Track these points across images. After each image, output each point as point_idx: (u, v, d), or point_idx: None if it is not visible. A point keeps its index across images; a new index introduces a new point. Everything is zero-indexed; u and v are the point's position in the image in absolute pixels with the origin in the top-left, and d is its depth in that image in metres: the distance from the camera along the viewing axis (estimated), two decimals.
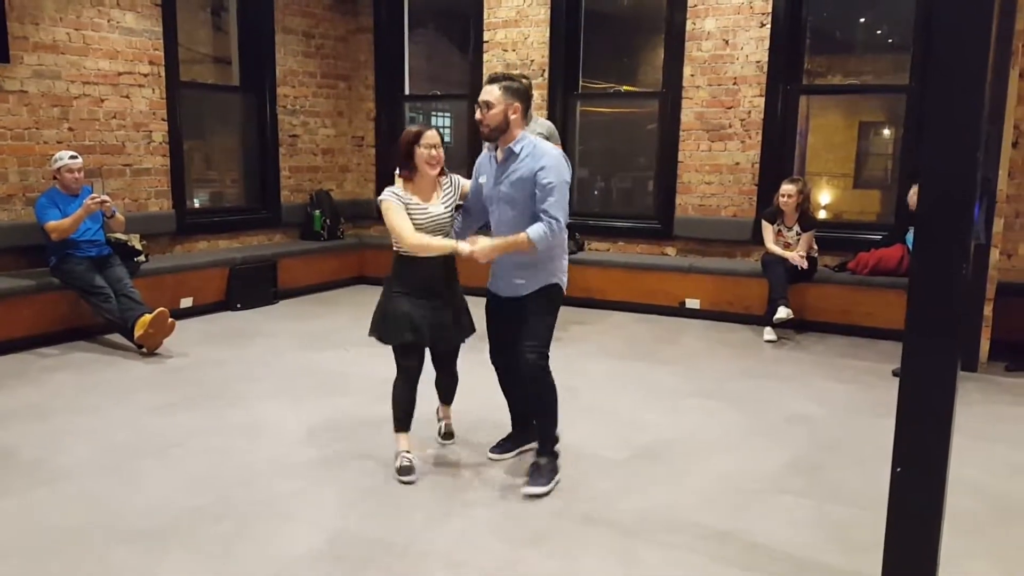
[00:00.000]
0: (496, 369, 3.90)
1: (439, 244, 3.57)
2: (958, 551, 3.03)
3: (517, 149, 3.52)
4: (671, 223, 7.77)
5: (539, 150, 3.51)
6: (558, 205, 3.43)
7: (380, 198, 3.63)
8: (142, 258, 6.46)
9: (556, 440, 3.74)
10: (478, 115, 3.54)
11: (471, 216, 3.84)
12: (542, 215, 3.44)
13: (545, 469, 3.65)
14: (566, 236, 3.69)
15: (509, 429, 4.05)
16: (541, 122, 6.42)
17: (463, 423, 4.23)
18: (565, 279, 3.70)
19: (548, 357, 3.61)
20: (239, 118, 8.43)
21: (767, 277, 6.59)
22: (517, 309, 3.64)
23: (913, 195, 5.31)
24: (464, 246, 3.49)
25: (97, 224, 5.95)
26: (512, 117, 3.51)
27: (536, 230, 3.42)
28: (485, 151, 3.74)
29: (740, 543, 3.19)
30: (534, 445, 3.83)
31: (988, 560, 3.10)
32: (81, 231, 5.79)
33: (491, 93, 3.50)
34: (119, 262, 6.07)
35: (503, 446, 3.98)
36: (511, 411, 4.02)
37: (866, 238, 6.99)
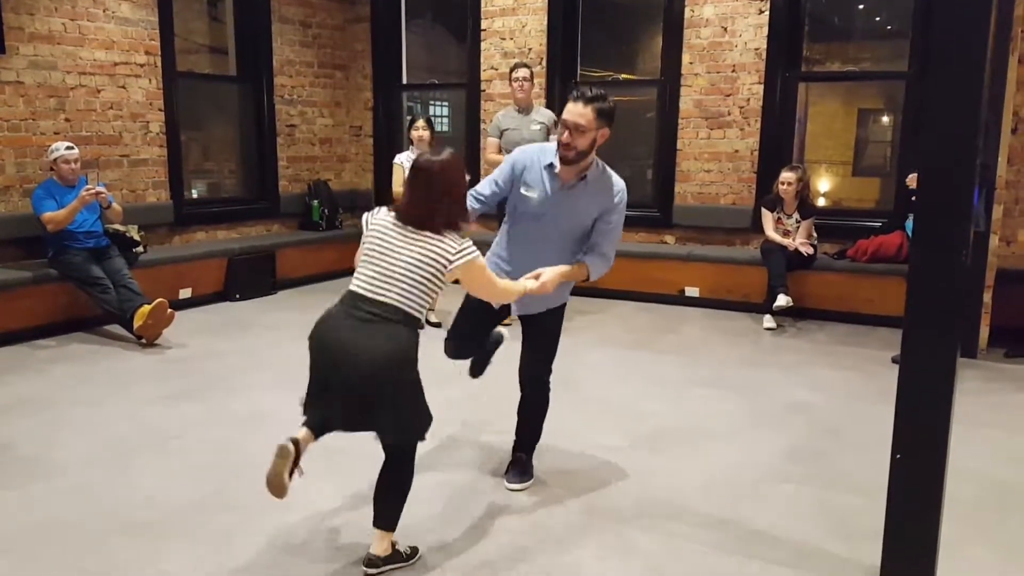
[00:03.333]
0: (456, 358, 3.66)
1: (519, 287, 3.08)
2: (958, 537, 3.04)
3: (591, 178, 3.23)
4: (670, 211, 7.76)
5: (610, 183, 3.27)
6: (613, 245, 3.29)
7: (470, 253, 2.75)
8: (140, 249, 6.45)
9: (539, 439, 3.74)
10: (565, 137, 3.11)
11: (482, 204, 3.42)
12: (597, 249, 3.26)
13: (528, 465, 3.66)
14: None
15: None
16: (543, 111, 6.42)
17: (462, 419, 4.23)
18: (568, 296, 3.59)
19: (550, 372, 3.58)
20: (236, 108, 8.40)
21: (766, 265, 6.58)
22: (506, 313, 3.54)
23: (913, 178, 5.29)
24: (531, 283, 3.08)
25: (95, 215, 5.94)
26: (599, 143, 3.18)
27: (598, 268, 3.27)
28: (534, 155, 3.33)
29: (740, 531, 3.19)
30: (499, 341, 3.72)
31: (987, 547, 3.10)
32: (79, 222, 5.78)
33: (584, 116, 3.08)
34: (117, 253, 6.06)
35: (518, 475, 3.64)
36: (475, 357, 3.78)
37: (865, 225, 6.99)
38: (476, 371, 3.81)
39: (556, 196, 3.24)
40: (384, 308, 2.68)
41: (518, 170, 3.32)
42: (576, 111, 3.08)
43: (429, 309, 3.14)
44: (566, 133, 3.11)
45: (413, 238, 2.72)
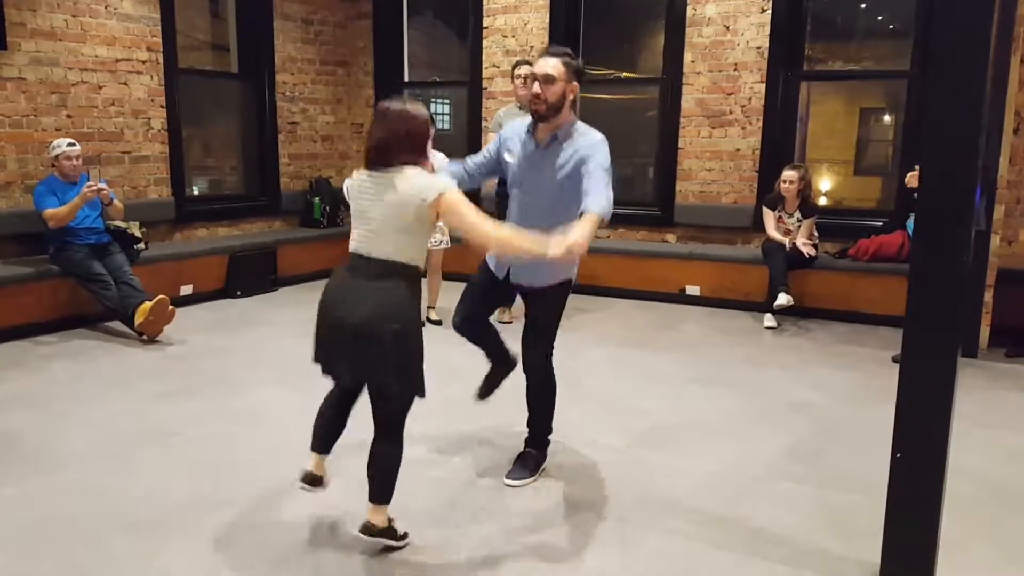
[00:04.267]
0: (458, 328, 3.61)
1: (533, 246, 2.85)
2: (957, 537, 3.04)
3: (561, 136, 3.26)
4: (671, 210, 7.75)
5: (586, 133, 3.27)
6: (606, 185, 3.10)
7: (441, 186, 2.76)
8: (141, 246, 6.45)
9: (550, 432, 3.71)
10: (535, 89, 3.17)
11: (469, 180, 3.48)
12: (591, 193, 3.06)
13: (531, 460, 3.63)
14: None
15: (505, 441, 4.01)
16: None
17: (461, 414, 4.23)
18: (575, 273, 3.55)
19: (551, 351, 3.55)
20: (238, 105, 8.40)
21: (767, 264, 6.58)
22: (518, 294, 3.56)
23: (912, 176, 5.28)
24: (557, 246, 2.81)
25: (96, 212, 5.94)
26: (569, 98, 3.23)
27: (600, 205, 3.00)
28: (515, 123, 3.41)
29: (740, 529, 3.19)
30: (512, 367, 3.70)
31: (988, 546, 3.10)
32: (80, 219, 5.78)
33: (554, 67, 3.17)
34: (119, 250, 6.06)
35: (520, 472, 3.64)
36: (488, 354, 3.73)
37: (867, 224, 6.98)
38: (484, 392, 3.76)
39: (532, 156, 3.31)
40: (380, 265, 2.76)
41: (503, 138, 3.44)
42: (545, 63, 3.20)
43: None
44: (536, 84, 3.19)
45: (384, 186, 2.75)
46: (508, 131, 3.45)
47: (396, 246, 2.77)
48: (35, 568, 2.85)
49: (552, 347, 3.55)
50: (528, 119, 3.39)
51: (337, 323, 2.81)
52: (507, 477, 3.58)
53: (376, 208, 2.77)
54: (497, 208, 5.76)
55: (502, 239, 2.85)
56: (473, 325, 3.60)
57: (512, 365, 3.71)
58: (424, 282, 6.33)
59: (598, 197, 3.03)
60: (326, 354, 2.91)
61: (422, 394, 2.89)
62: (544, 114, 3.22)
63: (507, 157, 3.39)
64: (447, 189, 2.75)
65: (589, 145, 3.22)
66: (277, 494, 3.43)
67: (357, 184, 2.86)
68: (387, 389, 2.82)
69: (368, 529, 2.91)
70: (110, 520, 3.18)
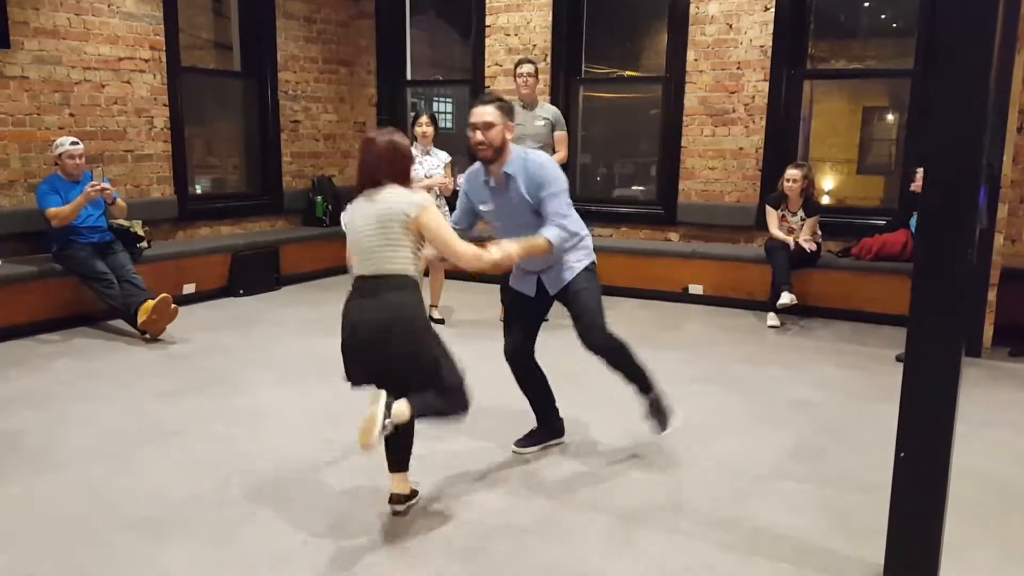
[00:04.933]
0: (513, 367, 3.85)
1: (485, 256, 3.24)
2: (961, 536, 3.03)
3: (513, 171, 3.52)
4: (674, 208, 7.74)
5: (535, 164, 3.52)
6: (562, 210, 3.49)
7: (423, 201, 3.06)
8: (144, 244, 6.46)
9: (649, 379, 3.84)
10: (479, 137, 3.47)
11: (462, 229, 3.77)
12: (549, 219, 3.47)
13: (661, 406, 3.83)
14: (581, 226, 3.72)
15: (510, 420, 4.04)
16: (547, 107, 6.41)
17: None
18: (595, 259, 3.79)
19: (607, 326, 3.69)
20: (240, 104, 8.40)
21: (771, 263, 6.57)
22: (554, 299, 3.76)
23: (919, 179, 5.27)
24: (495, 254, 3.27)
25: (99, 210, 5.94)
26: (508, 137, 3.53)
27: (552, 232, 3.44)
28: (474, 171, 3.71)
29: (743, 529, 3.19)
30: (560, 440, 3.97)
31: (991, 547, 3.10)
32: (83, 217, 5.78)
33: (491, 114, 3.47)
34: (121, 248, 6.06)
35: (528, 440, 3.92)
36: (533, 408, 3.96)
37: (870, 223, 6.97)
38: (523, 444, 3.92)
39: (497, 196, 3.59)
40: (379, 280, 3.00)
41: (470, 195, 3.73)
42: (481, 112, 3.48)
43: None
44: (478, 134, 3.47)
45: (372, 204, 3.02)
46: (468, 186, 3.74)
47: (389, 259, 3.00)
48: (37, 567, 2.85)
49: (605, 322, 3.70)
50: (477, 166, 3.67)
51: (356, 338, 3.04)
52: (659, 426, 3.83)
53: (368, 228, 3.01)
54: None
55: (469, 254, 3.16)
56: (524, 351, 3.81)
57: (559, 435, 3.98)
58: (426, 281, 6.36)
59: (555, 228, 3.45)
60: (355, 368, 3.11)
61: (451, 366, 3.08)
62: (492, 158, 3.51)
63: (482, 208, 3.68)
64: (429, 204, 3.04)
65: (537, 170, 3.51)
66: (279, 493, 3.43)
67: (350, 215, 3.11)
68: (417, 381, 3.03)
69: (398, 499, 3.22)
70: (112, 519, 3.18)
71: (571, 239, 3.56)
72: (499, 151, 3.50)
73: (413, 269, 3.05)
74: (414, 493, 3.29)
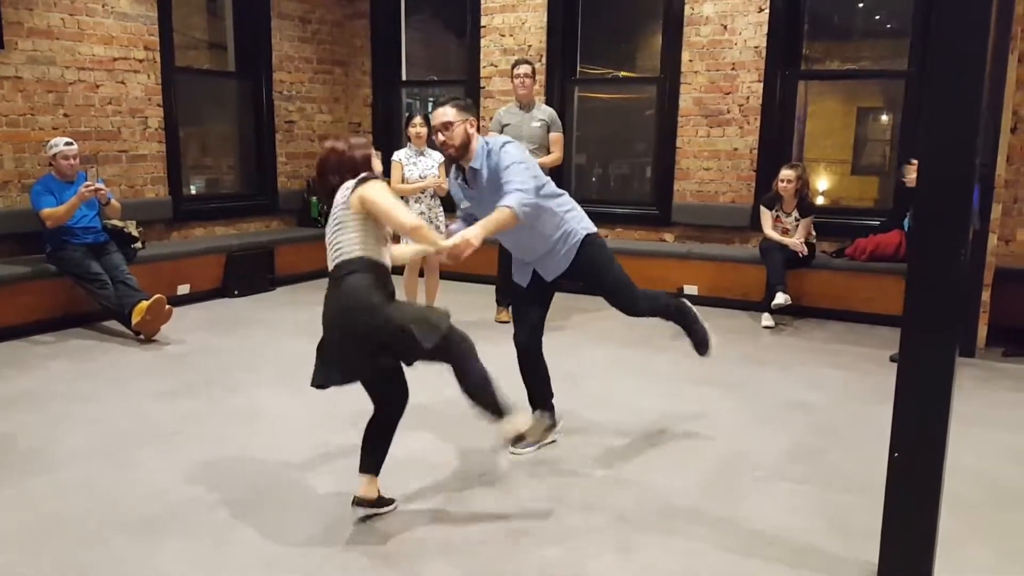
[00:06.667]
0: (520, 357, 3.90)
1: (431, 239, 3.24)
2: (956, 536, 3.05)
3: (478, 164, 3.58)
4: (669, 209, 7.75)
5: (492, 149, 3.56)
6: (519, 177, 3.44)
7: (366, 180, 3.08)
8: (139, 245, 6.43)
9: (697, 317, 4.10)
10: (441, 138, 3.55)
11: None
12: (507, 190, 3.43)
13: (701, 330, 4.09)
14: (560, 194, 3.78)
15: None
16: (544, 109, 6.41)
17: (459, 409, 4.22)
18: (592, 226, 3.82)
19: (636, 293, 3.84)
20: (235, 104, 8.39)
21: (765, 263, 6.58)
22: (558, 286, 3.83)
23: (911, 173, 5.28)
24: (447, 243, 3.29)
25: (93, 211, 5.92)
26: (471, 131, 3.57)
27: (511, 199, 3.37)
28: (452, 175, 3.79)
29: (739, 529, 3.19)
30: (554, 440, 3.98)
31: (986, 545, 3.11)
32: (77, 218, 5.77)
33: (447, 114, 3.52)
34: (116, 249, 6.05)
35: (523, 441, 3.89)
36: (531, 400, 3.96)
37: (864, 224, 6.98)
38: (520, 443, 3.85)
39: (475, 192, 3.67)
40: (337, 269, 3.01)
41: (455, 196, 3.84)
42: (442, 113, 3.54)
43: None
44: (439, 135, 3.55)
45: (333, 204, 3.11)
46: (452, 188, 3.85)
47: (338, 247, 3.03)
48: (35, 567, 2.84)
49: (636, 290, 3.85)
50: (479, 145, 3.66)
51: (328, 332, 3.04)
52: (697, 351, 4.12)
53: (329, 227, 3.10)
54: None
55: (414, 228, 3.07)
56: (532, 342, 3.86)
57: (552, 427, 4.00)
58: (421, 283, 6.36)
59: (510, 195, 3.39)
60: (333, 368, 3.05)
61: (438, 331, 2.95)
62: (457, 155, 3.59)
63: (463, 206, 3.80)
64: (365, 181, 3.02)
65: (496, 152, 3.55)
66: (274, 494, 3.43)
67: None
68: (399, 358, 3.05)
69: (362, 503, 3.15)
70: (108, 519, 3.18)
71: (538, 201, 3.52)
72: (464, 147, 3.56)
73: (361, 250, 2.99)
74: (382, 501, 3.22)
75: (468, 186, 3.69)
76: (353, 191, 3.00)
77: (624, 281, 3.81)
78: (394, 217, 2.99)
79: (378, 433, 3.19)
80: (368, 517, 3.18)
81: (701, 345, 4.10)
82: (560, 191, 3.79)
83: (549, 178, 3.79)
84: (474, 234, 3.26)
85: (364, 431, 3.20)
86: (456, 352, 3.01)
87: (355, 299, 2.93)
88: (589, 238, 3.76)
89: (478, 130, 3.63)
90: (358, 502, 3.16)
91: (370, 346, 2.95)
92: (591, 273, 3.78)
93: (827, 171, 8.36)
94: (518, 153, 3.55)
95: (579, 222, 3.77)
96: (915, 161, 5.15)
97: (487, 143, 3.61)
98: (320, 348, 3.07)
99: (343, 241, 3.01)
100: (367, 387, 3.17)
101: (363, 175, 3.06)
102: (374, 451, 3.19)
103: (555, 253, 3.71)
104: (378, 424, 3.20)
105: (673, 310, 4.03)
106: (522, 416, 3.07)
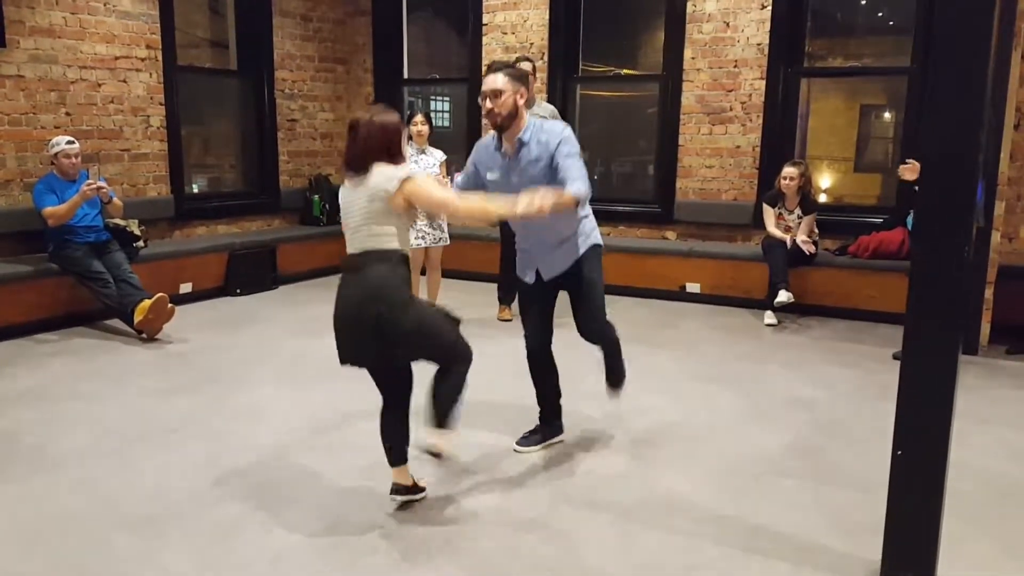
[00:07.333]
0: (531, 359, 3.85)
1: (499, 207, 3.13)
2: (959, 533, 3.04)
3: (527, 138, 3.47)
4: (671, 207, 7.75)
5: (547, 130, 3.49)
6: (581, 173, 3.36)
7: (404, 174, 3.01)
8: (141, 243, 6.44)
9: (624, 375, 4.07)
10: (488, 105, 3.43)
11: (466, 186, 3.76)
12: (568, 179, 3.31)
13: (623, 368, 4.04)
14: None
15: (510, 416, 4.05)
16: (544, 106, 6.40)
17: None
18: (600, 240, 3.81)
19: (607, 318, 3.81)
20: (237, 103, 8.39)
21: (768, 261, 6.57)
22: (557, 287, 3.76)
23: (906, 169, 5.26)
24: (520, 204, 3.07)
25: (95, 210, 5.93)
26: (520, 103, 3.46)
27: (576, 186, 3.26)
28: (486, 142, 3.67)
29: (741, 526, 3.19)
30: (560, 439, 3.97)
31: (989, 543, 3.10)
32: (79, 217, 5.77)
33: (498, 81, 3.43)
34: (118, 247, 6.05)
35: (529, 439, 3.92)
36: (540, 403, 3.96)
37: (867, 221, 6.98)
38: (524, 443, 3.92)
39: (508, 168, 3.53)
40: (360, 257, 3.01)
41: (478, 164, 3.66)
42: (491, 80, 3.45)
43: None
44: (487, 102, 3.43)
45: (360, 186, 3.02)
46: (479, 155, 3.69)
47: (372, 236, 3.00)
48: (36, 565, 2.85)
49: (605, 315, 3.80)
50: (492, 134, 3.62)
51: (338, 313, 3.07)
52: (608, 392, 4.04)
53: (354, 207, 3.04)
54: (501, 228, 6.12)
55: (471, 207, 3.16)
56: (542, 342, 3.83)
57: (559, 432, 3.99)
58: (423, 280, 6.36)
59: (574, 183, 3.28)
60: (341, 348, 3.11)
61: (451, 325, 3.14)
62: (503, 124, 3.46)
63: (489, 176, 3.61)
64: (409, 177, 2.98)
65: (554, 137, 3.44)
66: (276, 491, 3.43)
67: (342, 196, 3.14)
68: (417, 354, 3.10)
69: (397, 490, 3.24)
70: (110, 517, 3.18)
71: (586, 203, 3.47)
72: (511, 118, 3.45)
73: (396, 244, 3.03)
74: (416, 488, 3.31)
75: (502, 158, 3.56)
76: (398, 189, 2.95)
77: (603, 303, 3.77)
78: (451, 208, 3.14)
79: (393, 427, 3.22)
80: (407, 504, 3.27)
81: (618, 381, 4.07)
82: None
83: None
84: (546, 201, 3.07)
85: (380, 429, 3.22)
86: (457, 354, 3.11)
87: (384, 291, 2.97)
88: (596, 248, 3.75)
89: (527, 103, 3.54)
90: (395, 490, 3.24)
91: (380, 338, 2.99)
92: (584, 281, 3.70)
93: (830, 168, 8.35)
94: (577, 144, 3.47)
95: (592, 230, 3.76)
96: (911, 161, 5.16)
97: (540, 122, 3.55)
98: (336, 327, 3.11)
99: (378, 233, 3.01)
100: (373, 375, 3.20)
101: (404, 176, 2.98)
102: (397, 444, 3.23)
103: (561, 250, 3.67)
104: (392, 417, 3.22)
105: (617, 346, 3.98)
106: (454, 438, 3.17)
